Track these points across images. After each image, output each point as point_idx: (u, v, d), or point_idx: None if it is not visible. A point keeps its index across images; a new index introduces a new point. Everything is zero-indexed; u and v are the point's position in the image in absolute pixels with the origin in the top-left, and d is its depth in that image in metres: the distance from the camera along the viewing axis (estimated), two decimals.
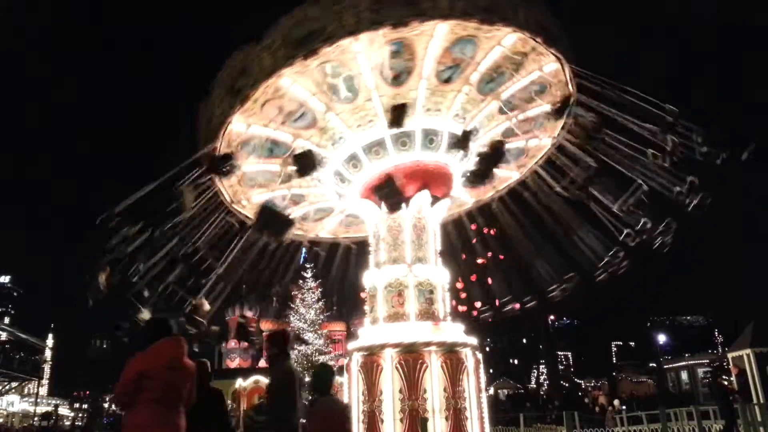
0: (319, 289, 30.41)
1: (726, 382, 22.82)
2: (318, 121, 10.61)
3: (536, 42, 9.38)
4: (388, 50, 9.30)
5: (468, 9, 8.66)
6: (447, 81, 10.10)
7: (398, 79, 9.89)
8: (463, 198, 13.40)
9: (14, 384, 39.69)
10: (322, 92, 10.06)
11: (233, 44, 9.73)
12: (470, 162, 11.09)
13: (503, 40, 9.51)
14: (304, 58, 8.83)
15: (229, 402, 28.30)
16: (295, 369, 6.33)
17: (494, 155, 10.24)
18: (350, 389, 10.80)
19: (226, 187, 11.89)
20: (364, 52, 9.26)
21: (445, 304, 11.33)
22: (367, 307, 11.70)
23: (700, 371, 36.73)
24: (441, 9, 8.55)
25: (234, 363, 39.95)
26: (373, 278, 11.56)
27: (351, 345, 11.41)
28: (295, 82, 9.75)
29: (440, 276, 11.43)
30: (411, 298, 10.91)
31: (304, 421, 6.08)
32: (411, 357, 10.05)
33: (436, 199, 11.61)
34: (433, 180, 11.47)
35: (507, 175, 13.04)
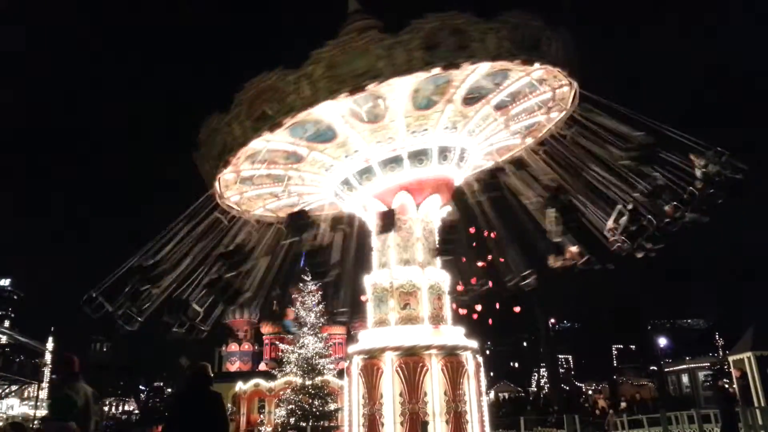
0: (320, 292, 30.22)
1: (726, 385, 22.77)
2: (338, 136, 10.71)
3: (561, 74, 9.78)
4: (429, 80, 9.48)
5: (513, 49, 8.96)
6: (469, 103, 10.37)
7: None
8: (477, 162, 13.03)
9: (14, 387, 39.63)
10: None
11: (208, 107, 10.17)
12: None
13: (533, 73, 9.87)
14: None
15: (228, 405, 28.26)
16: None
17: None
18: (350, 392, 10.79)
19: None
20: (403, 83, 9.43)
21: (446, 306, 11.30)
22: (387, 307, 11.28)
23: (701, 374, 36.59)
24: (489, 50, 8.81)
25: (234, 366, 39.88)
26: (383, 278, 11.40)
27: (351, 348, 11.39)
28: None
29: (443, 278, 11.40)
30: (424, 300, 10.96)
31: None
32: (411, 360, 10.05)
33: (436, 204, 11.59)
34: (440, 188, 11.58)
35: (514, 143, 12.82)
